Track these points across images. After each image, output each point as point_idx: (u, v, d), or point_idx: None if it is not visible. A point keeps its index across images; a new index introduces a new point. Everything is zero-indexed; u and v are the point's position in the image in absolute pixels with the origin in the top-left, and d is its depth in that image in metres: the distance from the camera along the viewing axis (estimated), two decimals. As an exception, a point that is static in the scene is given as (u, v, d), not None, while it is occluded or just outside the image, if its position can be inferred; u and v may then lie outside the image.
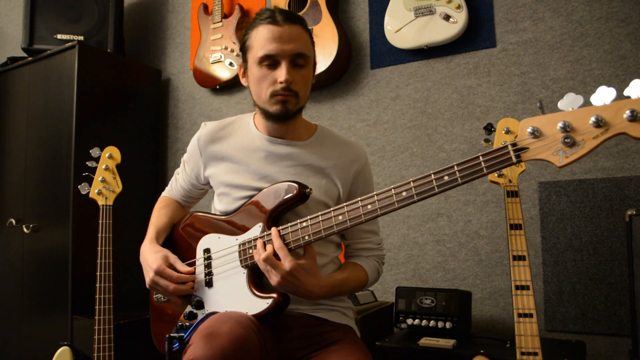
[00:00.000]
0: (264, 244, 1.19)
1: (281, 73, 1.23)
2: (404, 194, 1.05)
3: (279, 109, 1.27)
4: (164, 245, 1.39)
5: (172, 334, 1.28)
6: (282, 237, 1.18)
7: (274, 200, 1.24)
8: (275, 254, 1.16)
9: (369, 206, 1.10)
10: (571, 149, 0.85)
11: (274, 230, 1.19)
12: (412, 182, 1.04)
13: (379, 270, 1.40)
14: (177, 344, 1.28)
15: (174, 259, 1.32)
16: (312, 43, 1.32)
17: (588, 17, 1.94)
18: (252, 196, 1.29)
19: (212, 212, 1.43)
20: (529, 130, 0.89)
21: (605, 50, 1.90)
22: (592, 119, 0.82)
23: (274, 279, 1.15)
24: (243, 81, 1.36)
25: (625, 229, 1.57)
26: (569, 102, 0.86)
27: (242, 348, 1.05)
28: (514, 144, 0.91)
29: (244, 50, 1.32)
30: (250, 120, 1.40)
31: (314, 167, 1.33)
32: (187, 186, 1.50)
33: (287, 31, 1.23)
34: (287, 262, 1.13)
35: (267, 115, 1.30)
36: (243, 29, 1.34)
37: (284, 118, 1.29)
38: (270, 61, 1.24)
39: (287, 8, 2.41)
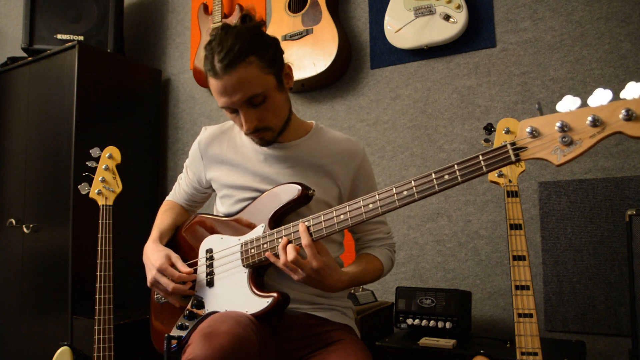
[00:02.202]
0: (287, 243, 1.16)
1: (241, 122, 1.23)
2: (404, 192, 1.06)
3: (258, 142, 1.31)
4: (168, 246, 1.40)
5: (171, 334, 1.28)
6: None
7: (278, 201, 1.24)
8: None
9: (371, 205, 1.11)
10: (569, 148, 0.86)
11: (302, 226, 1.16)
12: (413, 182, 1.05)
13: (392, 258, 1.41)
14: (175, 344, 1.28)
15: (175, 258, 1.32)
16: (270, 66, 1.20)
17: (588, 17, 1.94)
18: (254, 197, 1.30)
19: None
20: (528, 130, 0.90)
21: (605, 50, 1.90)
22: (589, 118, 0.83)
23: (296, 277, 1.15)
24: None
25: (625, 229, 1.57)
26: (567, 104, 0.87)
27: (241, 348, 1.05)
28: (512, 144, 0.92)
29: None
30: None
31: (313, 165, 1.33)
32: (190, 190, 1.51)
33: (229, 82, 1.16)
34: (315, 261, 1.13)
35: None
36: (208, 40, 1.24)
37: (268, 145, 1.32)
38: (229, 110, 1.23)
39: (287, 8, 2.42)
